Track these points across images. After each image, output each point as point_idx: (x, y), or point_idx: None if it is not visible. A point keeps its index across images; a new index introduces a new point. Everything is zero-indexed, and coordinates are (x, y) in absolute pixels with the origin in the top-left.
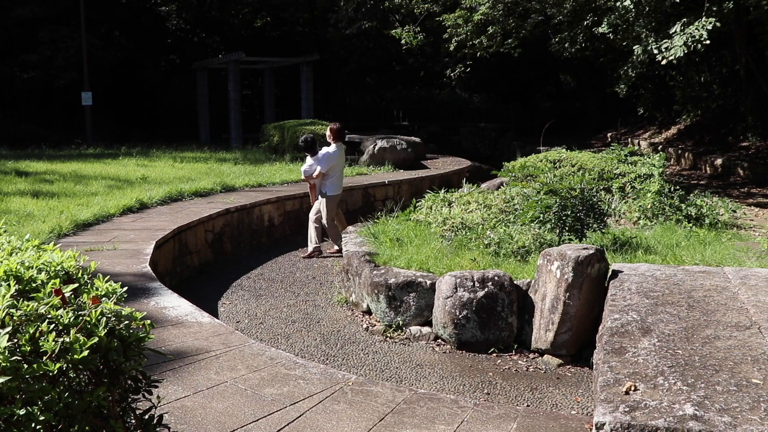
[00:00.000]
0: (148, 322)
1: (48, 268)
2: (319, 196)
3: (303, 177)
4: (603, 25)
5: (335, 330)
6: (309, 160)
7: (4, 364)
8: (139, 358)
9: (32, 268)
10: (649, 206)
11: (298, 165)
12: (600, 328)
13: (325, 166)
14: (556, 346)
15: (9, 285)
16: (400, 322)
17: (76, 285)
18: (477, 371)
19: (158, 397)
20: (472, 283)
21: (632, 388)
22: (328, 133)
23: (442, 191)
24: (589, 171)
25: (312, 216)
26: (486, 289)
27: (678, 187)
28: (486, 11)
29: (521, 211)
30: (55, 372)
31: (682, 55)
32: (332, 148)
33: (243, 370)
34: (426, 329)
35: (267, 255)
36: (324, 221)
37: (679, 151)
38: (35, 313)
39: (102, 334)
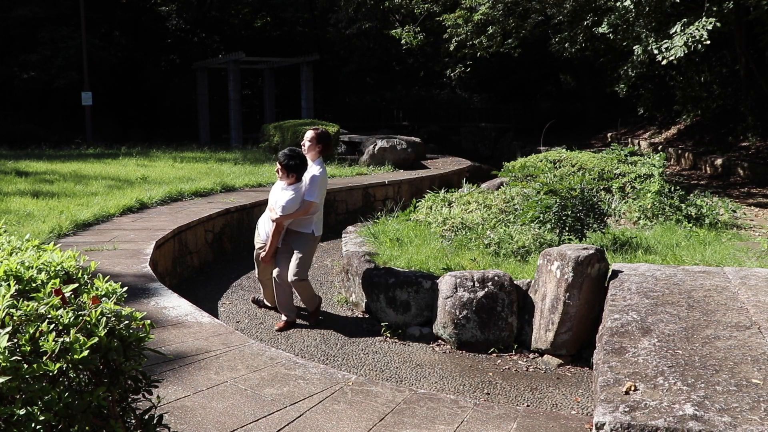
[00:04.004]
0: (148, 322)
1: (48, 268)
2: (293, 243)
3: (281, 215)
4: (603, 25)
5: (335, 330)
6: (286, 188)
7: (4, 364)
8: (139, 358)
9: (32, 268)
10: (649, 206)
11: None
12: (600, 328)
13: (317, 194)
14: (556, 346)
15: (9, 285)
16: (400, 322)
17: (76, 285)
18: (477, 371)
19: (158, 397)
20: (472, 283)
21: (632, 388)
22: (308, 143)
23: (442, 191)
24: (589, 171)
25: (284, 273)
26: (486, 289)
27: (678, 187)
28: (486, 11)
29: (521, 211)
30: (55, 372)
31: (682, 55)
32: (318, 167)
33: (243, 370)
34: (426, 329)
35: None
36: (294, 274)
37: (679, 151)
38: (35, 313)
39: (102, 334)
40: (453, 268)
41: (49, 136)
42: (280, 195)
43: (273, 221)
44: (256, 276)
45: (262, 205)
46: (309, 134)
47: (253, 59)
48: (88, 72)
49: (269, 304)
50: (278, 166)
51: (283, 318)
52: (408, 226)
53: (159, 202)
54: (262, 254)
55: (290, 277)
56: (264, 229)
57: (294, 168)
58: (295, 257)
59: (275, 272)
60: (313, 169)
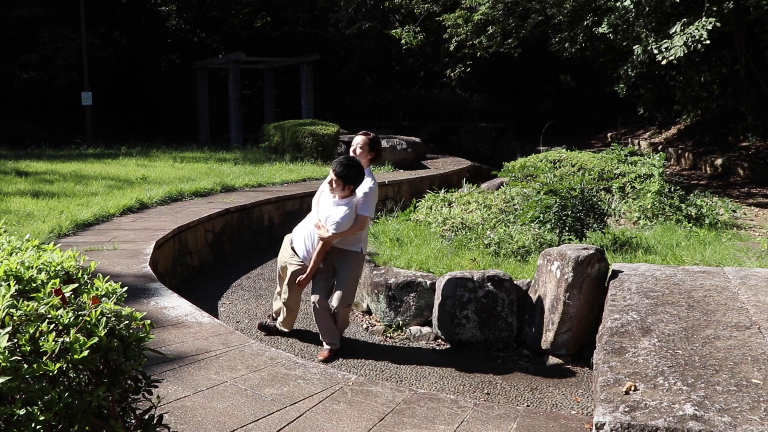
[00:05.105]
0: (148, 322)
1: (48, 268)
2: (338, 263)
3: (334, 233)
4: (603, 25)
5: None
6: (340, 202)
7: (4, 364)
8: (139, 358)
9: (32, 268)
10: (649, 206)
11: (298, 165)
12: (600, 328)
13: (372, 208)
14: (556, 346)
15: (9, 285)
16: (400, 322)
17: (76, 285)
18: (477, 371)
19: (158, 397)
20: (472, 283)
21: (632, 388)
22: (360, 149)
23: (442, 191)
24: (589, 171)
25: (324, 298)
26: (486, 289)
27: (678, 187)
28: (486, 11)
29: (521, 211)
30: (55, 372)
31: (682, 55)
32: (369, 178)
33: (243, 370)
34: (426, 329)
35: (267, 255)
36: (345, 299)
37: (679, 151)
38: (35, 313)
39: (102, 334)
40: (453, 268)
41: (49, 136)
42: (332, 210)
43: (321, 239)
44: (283, 301)
45: (262, 205)
46: (360, 140)
47: (253, 59)
48: (88, 72)
49: (286, 330)
50: (332, 176)
51: (327, 347)
52: (408, 226)
53: (159, 202)
54: (302, 276)
55: (339, 303)
56: (304, 246)
57: (352, 179)
58: (343, 280)
59: (314, 298)
60: (365, 180)
